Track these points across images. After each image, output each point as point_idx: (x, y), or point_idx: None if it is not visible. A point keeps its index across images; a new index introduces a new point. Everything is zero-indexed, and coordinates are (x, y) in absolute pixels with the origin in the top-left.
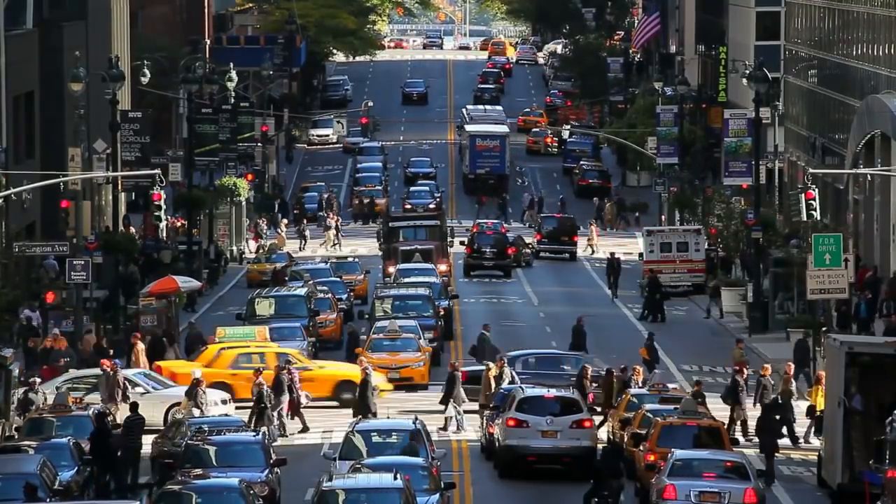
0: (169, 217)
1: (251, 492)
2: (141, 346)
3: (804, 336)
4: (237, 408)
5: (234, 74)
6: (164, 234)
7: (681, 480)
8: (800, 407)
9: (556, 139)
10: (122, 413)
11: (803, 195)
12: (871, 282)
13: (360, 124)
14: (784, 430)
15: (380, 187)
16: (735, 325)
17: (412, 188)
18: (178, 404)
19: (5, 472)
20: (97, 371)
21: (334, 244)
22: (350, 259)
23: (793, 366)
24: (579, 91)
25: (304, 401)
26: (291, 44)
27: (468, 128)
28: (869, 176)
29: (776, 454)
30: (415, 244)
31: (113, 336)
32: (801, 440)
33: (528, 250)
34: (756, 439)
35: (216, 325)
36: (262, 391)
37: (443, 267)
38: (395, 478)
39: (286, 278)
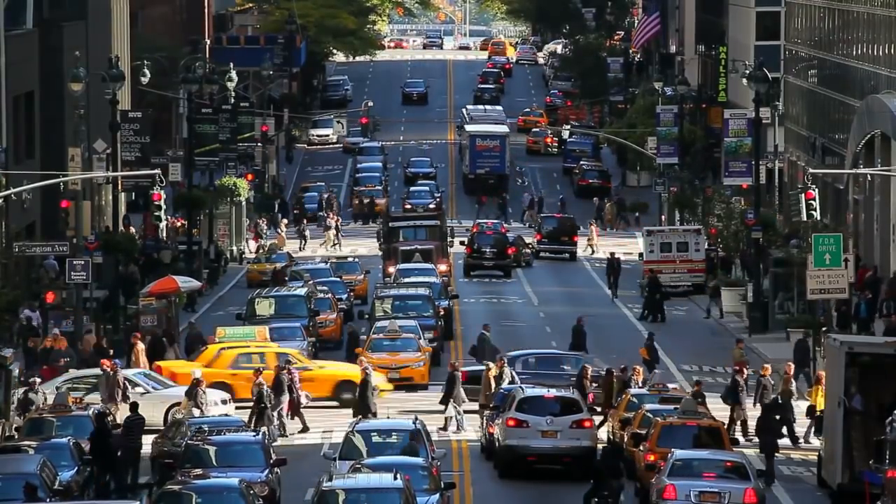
0: (169, 217)
1: (251, 492)
2: (141, 346)
3: (804, 336)
4: (237, 408)
5: (234, 74)
6: (164, 234)
7: (681, 480)
8: (800, 407)
9: (556, 139)
10: (121, 413)
11: (803, 195)
12: (871, 282)
13: (360, 124)
14: (784, 430)
15: (380, 187)
16: (735, 325)
17: (412, 188)
18: (178, 404)
19: (5, 472)
20: (97, 371)
21: (334, 244)
22: (350, 259)
23: (793, 366)
24: (579, 91)
25: (304, 401)
26: (291, 44)
27: (468, 128)
28: (869, 176)
29: (776, 454)
30: (415, 244)
31: (113, 336)
32: (802, 440)
33: (528, 250)
34: (756, 439)
35: (216, 325)
36: (261, 391)
37: (443, 267)
38: (395, 478)
39: (286, 278)
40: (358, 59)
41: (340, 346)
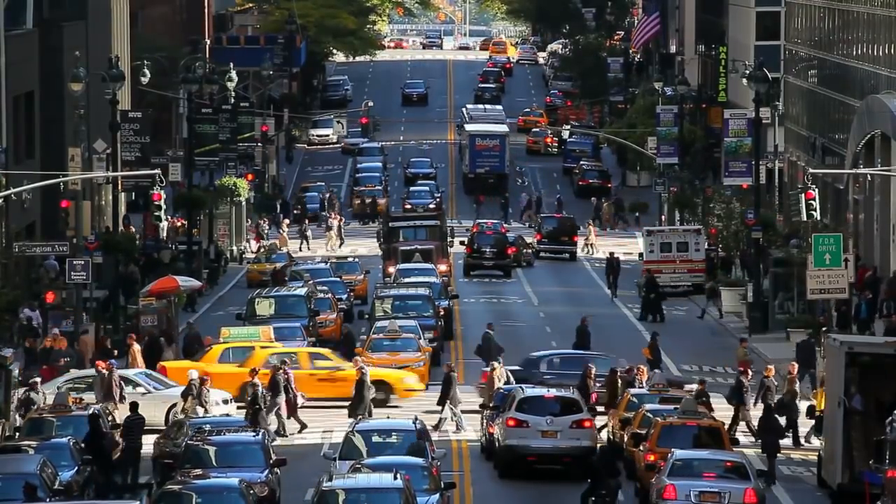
0: (169, 217)
1: (251, 492)
2: (137, 346)
3: (809, 336)
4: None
5: (234, 74)
6: (164, 234)
7: (681, 480)
8: (802, 407)
9: (556, 139)
10: (120, 413)
11: (803, 195)
12: (871, 282)
13: (360, 124)
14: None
15: (380, 187)
16: (735, 325)
17: (412, 188)
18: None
19: (5, 472)
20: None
21: (340, 243)
22: (350, 259)
23: (796, 366)
24: (579, 91)
25: (300, 401)
26: (291, 44)
27: (468, 127)
28: (869, 176)
29: (777, 454)
30: (415, 244)
31: (113, 336)
32: (803, 440)
33: (529, 250)
34: (758, 439)
35: (218, 325)
36: (256, 392)
37: (443, 267)
38: (395, 478)
39: (286, 278)
40: (358, 59)
41: (340, 346)
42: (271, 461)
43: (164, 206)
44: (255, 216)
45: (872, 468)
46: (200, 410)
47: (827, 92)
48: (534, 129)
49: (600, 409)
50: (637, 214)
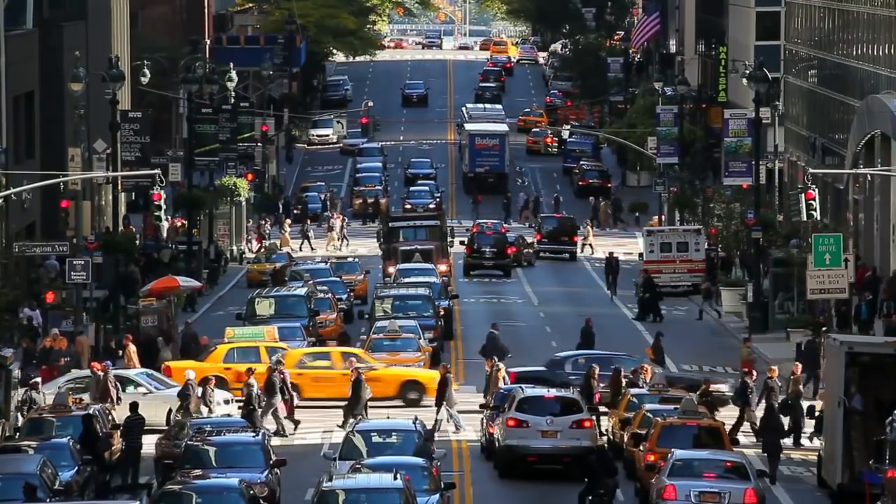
0: (169, 217)
1: (251, 492)
2: (133, 347)
3: (812, 337)
4: (300, 407)
5: (234, 74)
6: (165, 234)
7: (681, 480)
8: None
9: (556, 139)
10: (117, 413)
11: (803, 195)
12: (870, 282)
13: (360, 124)
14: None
15: (380, 187)
16: (735, 324)
17: (412, 188)
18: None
19: (5, 472)
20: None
21: (342, 242)
22: (350, 259)
23: (800, 366)
24: (579, 91)
25: (295, 401)
26: (291, 44)
27: (468, 126)
28: (869, 176)
29: (780, 454)
30: (415, 244)
31: (115, 336)
32: (808, 441)
33: (529, 250)
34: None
35: (218, 326)
36: (251, 392)
37: (443, 267)
38: (395, 478)
39: (286, 278)
40: (358, 59)
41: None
42: (271, 461)
43: (164, 206)
44: (255, 216)
45: (872, 468)
46: (205, 410)
47: (827, 92)
48: (534, 129)
49: (603, 409)
50: (637, 214)
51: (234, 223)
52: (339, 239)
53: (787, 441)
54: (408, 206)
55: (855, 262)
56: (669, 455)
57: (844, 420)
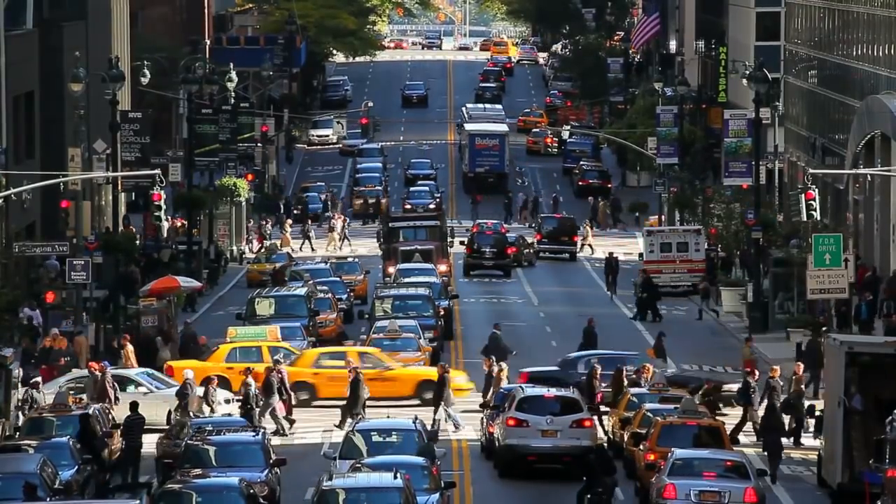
0: (169, 217)
1: (251, 491)
2: (130, 347)
3: (814, 337)
4: (318, 406)
5: (234, 75)
6: (165, 234)
7: (681, 480)
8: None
9: (556, 139)
10: (116, 413)
11: (803, 195)
12: (870, 282)
13: (360, 125)
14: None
15: (380, 187)
16: (735, 324)
17: (412, 188)
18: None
19: (5, 472)
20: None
21: (342, 242)
22: (350, 259)
23: (802, 366)
24: (579, 91)
25: (293, 401)
26: (291, 44)
27: (467, 126)
28: (869, 176)
29: (780, 454)
30: (415, 244)
31: (114, 335)
32: (802, 440)
33: (530, 250)
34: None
35: (218, 325)
36: (249, 392)
37: (443, 267)
38: (395, 477)
39: (286, 278)
40: (358, 59)
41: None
42: (271, 461)
43: (164, 207)
44: (256, 216)
45: (872, 468)
46: (207, 410)
47: (827, 92)
48: (534, 130)
49: (605, 409)
50: (637, 214)
51: (234, 223)
52: (340, 239)
53: (788, 440)
54: (408, 207)
55: (855, 262)
56: (669, 454)
57: (844, 420)
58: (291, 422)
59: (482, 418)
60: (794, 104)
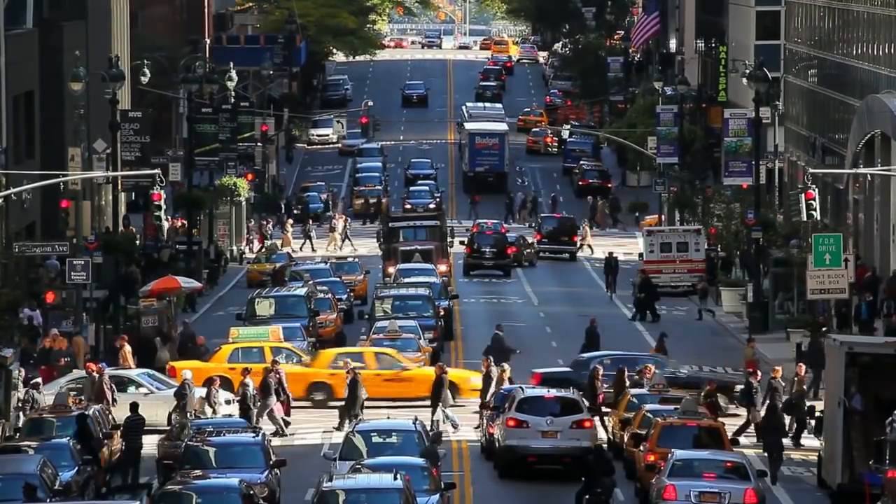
0: (169, 217)
1: (251, 492)
2: (128, 347)
3: (817, 337)
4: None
5: (234, 74)
6: (165, 234)
7: (681, 481)
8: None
9: (556, 139)
10: (115, 414)
11: (803, 195)
12: (870, 282)
13: (360, 124)
14: (795, 429)
15: (380, 187)
16: (735, 325)
17: (412, 188)
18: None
19: (5, 472)
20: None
21: (343, 242)
22: (350, 259)
23: (804, 366)
24: (579, 91)
25: (291, 402)
26: (291, 43)
27: (467, 125)
28: (869, 176)
29: (781, 454)
30: (415, 244)
31: (114, 336)
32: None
33: (530, 250)
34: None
35: (218, 326)
36: (246, 393)
37: (443, 267)
38: (395, 478)
39: (286, 278)
40: (358, 58)
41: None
42: (271, 462)
43: (164, 206)
44: (256, 216)
45: (872, 468)
46: (209, 411)
47: (827, 92)
48: (534, 129)
49: (607, 410)
50: (637, 214)
51: (234, 223)
52: (341, 239)
53: (788, 441)
54: (408, 206)
55: (855, 262)
56: (669, 455)
57: (844, 420)
58: (287, 423)
59: (480, 418)
60: (794, 103)
